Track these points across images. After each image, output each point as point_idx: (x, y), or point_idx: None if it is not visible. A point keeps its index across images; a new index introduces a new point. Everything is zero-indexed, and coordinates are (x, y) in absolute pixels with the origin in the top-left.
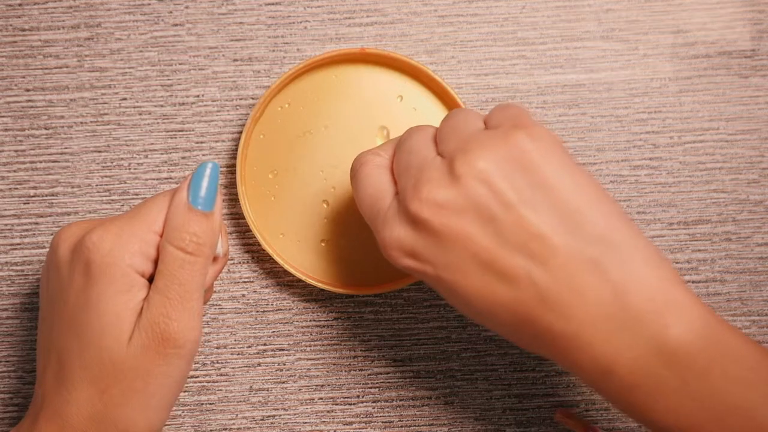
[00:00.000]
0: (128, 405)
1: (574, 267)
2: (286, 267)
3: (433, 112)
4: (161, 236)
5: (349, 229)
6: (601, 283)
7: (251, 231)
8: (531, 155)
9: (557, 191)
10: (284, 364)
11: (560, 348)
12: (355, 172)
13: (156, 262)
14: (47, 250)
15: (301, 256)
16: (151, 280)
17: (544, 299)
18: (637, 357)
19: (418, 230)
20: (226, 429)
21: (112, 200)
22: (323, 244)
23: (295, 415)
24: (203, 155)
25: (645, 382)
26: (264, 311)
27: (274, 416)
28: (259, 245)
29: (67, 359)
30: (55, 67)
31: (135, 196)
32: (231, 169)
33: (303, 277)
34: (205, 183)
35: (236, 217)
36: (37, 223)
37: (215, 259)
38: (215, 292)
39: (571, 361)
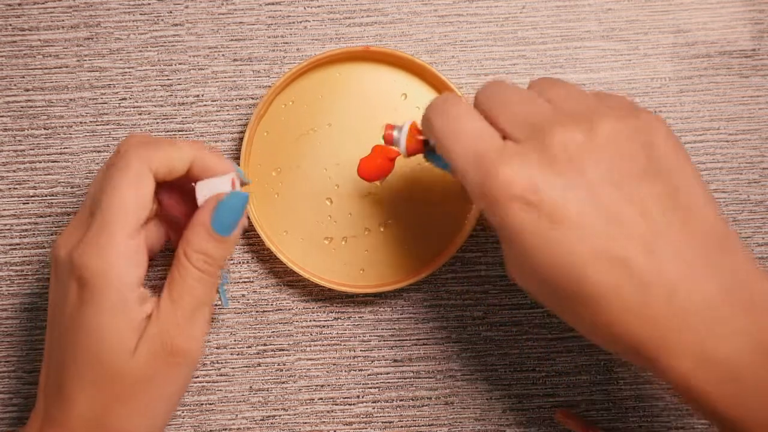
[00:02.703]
0: (130, 413)
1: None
2: (289, 264)
3: None
4: (144, 224)
5: (353, 227)
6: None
7: (254, 229)
8: (660, 147)
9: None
10: (284, 365)
11: (653, 330)
12: (441, 111)
13: (146, 253)
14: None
15: (304, 254)
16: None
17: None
18: (740, 350)
19: (551, 168)
20: (226, 429)
21: None
22: (326, 242)
23: (295, 415)
24: None
25: (743, 375)
26: (264, 311)
27: (274, 416)
28: (262, 243)
29: (66, 373)
30: (55, 67)
31: None
32: None
33: (306, 275)
34: (231, 215)
35: None
36: (36, 223)
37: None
38: None
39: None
